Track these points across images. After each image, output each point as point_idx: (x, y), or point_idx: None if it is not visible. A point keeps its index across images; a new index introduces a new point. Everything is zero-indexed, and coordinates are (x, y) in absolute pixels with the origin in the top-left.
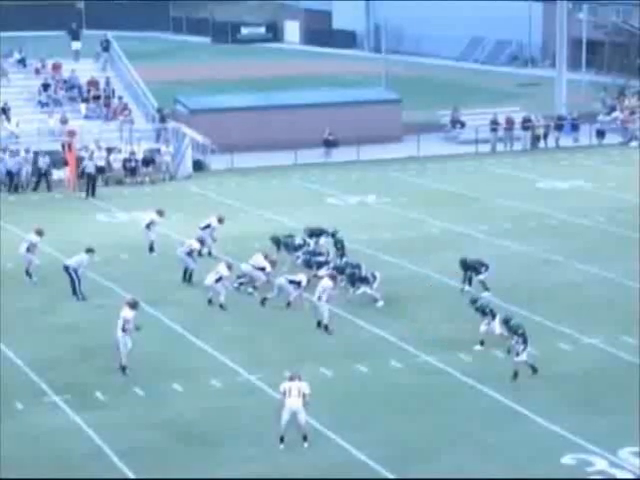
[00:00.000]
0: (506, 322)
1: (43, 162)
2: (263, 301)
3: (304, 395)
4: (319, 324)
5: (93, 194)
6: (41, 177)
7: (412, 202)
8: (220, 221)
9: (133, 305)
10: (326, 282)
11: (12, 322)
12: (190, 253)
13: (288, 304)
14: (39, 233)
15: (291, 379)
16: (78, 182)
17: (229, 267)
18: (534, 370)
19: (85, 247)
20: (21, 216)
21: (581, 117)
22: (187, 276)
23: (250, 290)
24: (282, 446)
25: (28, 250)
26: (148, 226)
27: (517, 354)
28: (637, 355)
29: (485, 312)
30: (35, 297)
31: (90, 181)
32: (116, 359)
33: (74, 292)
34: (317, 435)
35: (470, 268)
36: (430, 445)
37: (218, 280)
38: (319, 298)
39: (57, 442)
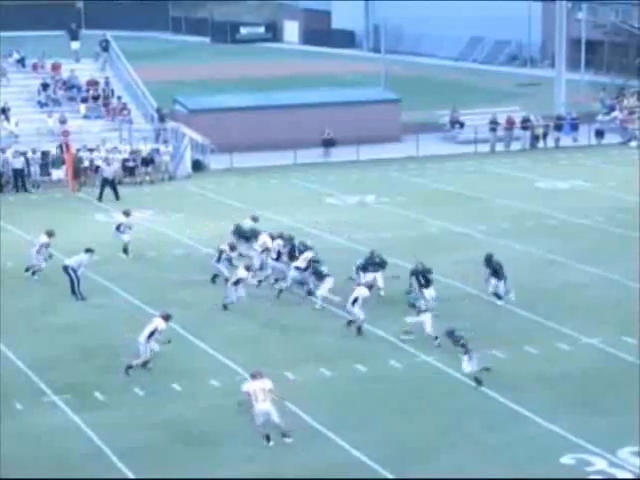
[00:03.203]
0: (449, 334)
1: (18, 162)
2: (279, 293)
3: (270, 392)
4: (350, 323)
5: (117, 198)
6: (17, 177)
7: (411, 202)
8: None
9: (167, 318)
10: (364, 291)
11: (12, 322)
12: (219, 259)
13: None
14: (50, 234)
15: (254, 377)
16: (76, 182)
17: (247, 269)
18: (478, 383)
19: (84, 247)
20: (20, 216)
21: (580, 117)
22: (214, 279)
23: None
24: (271, 443)
25: (38, 252)
26: (118, 228)
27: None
28: (637, 355)
29: (414, 305)
30: (35, 297)
31: (106, 185)
32: (114, 358)
33: (73, 292)
34: (316, 435)
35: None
36: (429, 445)
37: (236, 283)
38: (353, 303)
39: (56, 442)
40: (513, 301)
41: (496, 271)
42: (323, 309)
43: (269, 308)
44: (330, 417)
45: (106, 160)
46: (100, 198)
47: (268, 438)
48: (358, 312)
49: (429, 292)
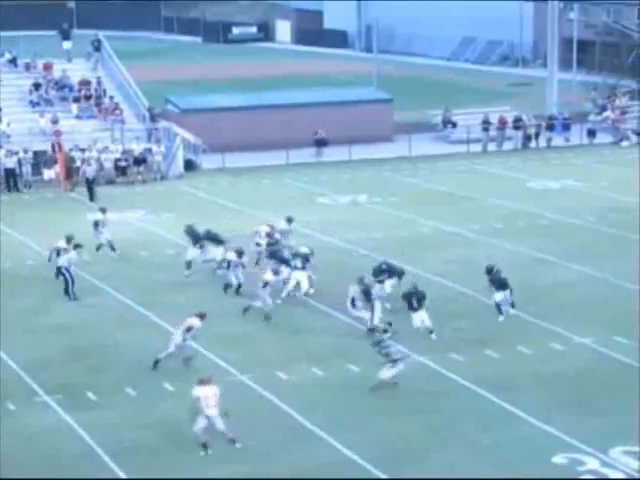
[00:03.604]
0: (376, 344)
1: (10, 162)
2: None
3: (215, 396)
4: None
5: (92, 199)
6: (9, 177)
7: (403, 202)
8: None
9: (202, 316)
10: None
11: (4, 323)
12: (228, 267)
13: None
14: (103, 211)
15: (203, 383)
16: (68, 182)
17: (275, 273)
18: (374, 388)
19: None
20: (13, 216)
21: (572, 117)
22: (236, 289)
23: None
24: (207, 452)
25: (96, 228)
26: (96, 226)
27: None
28: (629, 355)
29: (369, 298)
30: (28, 298)
31: (89, 185)
32: (106, 358)
33: (66, 292)
34: (309, 435)
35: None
36: (422, 445)
37: (265, 285)
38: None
39: (49, 442)
40: (511, 315)
41: (500, 283)
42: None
43: (261, 308)
44: (323, 417)
45: (87, 161)
46: (91, 199)
47: (205, 446)
48: (361, 313)
49: (419, 316)
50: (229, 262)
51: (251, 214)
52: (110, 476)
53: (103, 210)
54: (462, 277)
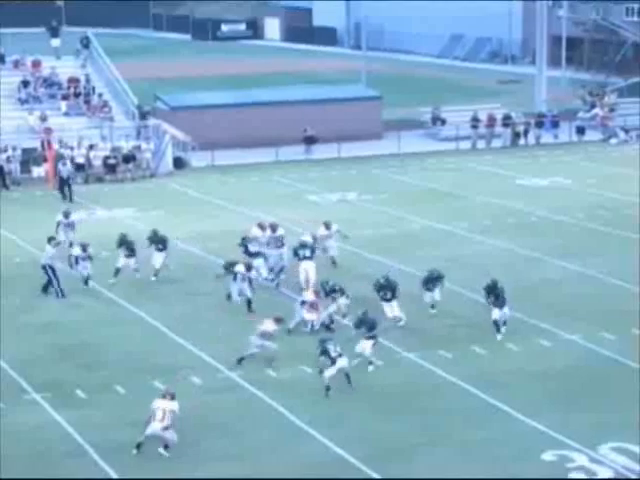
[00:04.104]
0: (321, 342)
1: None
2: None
3: (172, 412)
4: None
5: (71, 199)
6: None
7: (393, 199)
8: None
9: (279, 321)
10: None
11: None
12: (235, 279)
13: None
14: (66, 214)
15: (163, 396)
16: (56, 179)
17: (316, 294)
18: (328, 389)
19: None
20: (1, 214)
21: (561, 114)
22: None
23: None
24: (135, 452)
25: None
26: (65, 227)
27: (321, 371)
28: (617, 351)
29: (334, 291)
30: (16, 296)
31: (64, 185)
32: (95, 356)
33: (45, 290)
34: (298, 433)
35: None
36: (411, 443)
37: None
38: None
39: (38, 440)
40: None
41: (501, 301)
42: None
43: (254, 305)
44: (312, 415)
45: (61, 159)
46: (70, 199)
47: (139, 447)
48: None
49: (390, 308)
50: (235, 274)
51: (240, 212)
52: (100, 475)
53: (66, 214)
54: (451, 274)
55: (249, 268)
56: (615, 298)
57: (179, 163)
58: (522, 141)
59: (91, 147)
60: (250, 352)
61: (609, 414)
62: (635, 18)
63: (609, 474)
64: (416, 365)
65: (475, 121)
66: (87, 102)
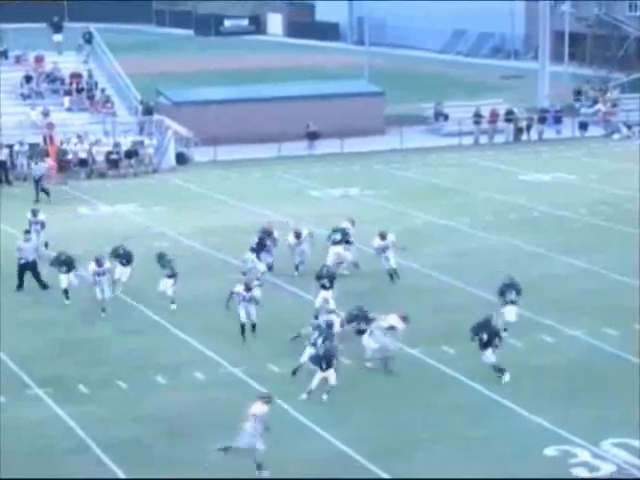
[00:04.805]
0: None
1: (1, 154)
2: None
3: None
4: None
5: (37, 199)
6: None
7: (395, 195)
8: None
9: (405, 319)
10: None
11: None
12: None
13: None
14: (34, 213)
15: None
16: (60, 175)
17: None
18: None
19: (67, 241)
20: (2, 210)
21: (564, 110)
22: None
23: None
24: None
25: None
26: (37, 226)
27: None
28: (620, 347)
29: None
30: (18, 291)
31: (36, 184)
32: (96, 351)
33: (43, 286)
34: (301, 429)
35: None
36: (413, 438)
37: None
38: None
39: (40, 435)
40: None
41: (490, 339)
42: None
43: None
44: (315, 411)
45: (32, 158)
46: (37, 199)
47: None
48: None
49: (367, 341)
50: (232, 294)
51: (243, 207)
52: (102, 470)
53: (34, 212)
54: (454, 270)
55: (248, 288)
56: (618, 293)
57: (181, 159)
58: (525, 137)
59: (95, 143)
60: (371, 353)
61: (612, 410)
62: (638, 13)
63: (611, 469)
64: (419, 361)
65: (477, 117)
66: (90, 98)
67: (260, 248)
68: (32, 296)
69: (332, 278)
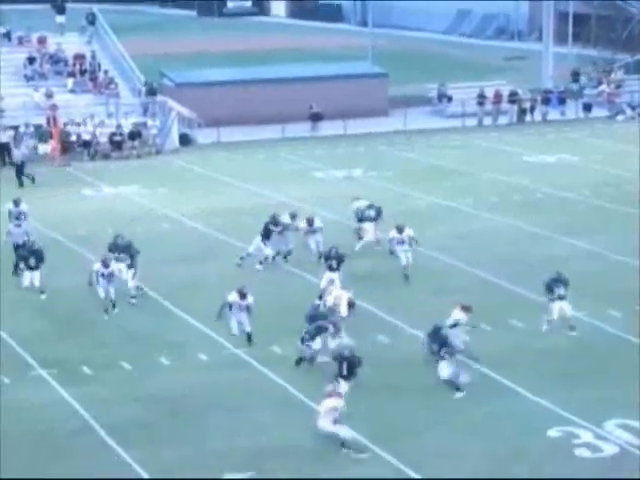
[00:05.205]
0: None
1: (5, 136)
2: None
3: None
4: None
5: (21, 184)
6: (2, 151)
7: (398, 176)
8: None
9: (467, 309)
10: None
11: None
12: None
13: None
14: (16, 203)
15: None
16: (64, 157)
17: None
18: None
19: (71, 222)
20: (6, 190)
21: (568, 91)
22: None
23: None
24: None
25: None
26: (15, 218)
27: None
28: (623, 328)
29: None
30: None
31: (18, 170)
32: (100, 333)
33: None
34: (304, 409)
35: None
36: (415, 420)
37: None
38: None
39: (44, 416)
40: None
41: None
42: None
43: (257, 283)
44: (318, 392)
45: (14, 142)
46: (21, 184)
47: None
48: None
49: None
50: (227, 304)
51: (246, 189)
52: (106, 451)
53: (16, 202)
54: (457, 251)
55: (243, 296)
56: (620, 275)
57: (185, 140)
58: (528, 118)
59: (99, 124)
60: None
61: (614, 391)
62: None
63: (614, 450)
64: (421, 342)
65: (481, 98)
66: (93, 79)
67: (266, 234)
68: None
69: (340, 260)
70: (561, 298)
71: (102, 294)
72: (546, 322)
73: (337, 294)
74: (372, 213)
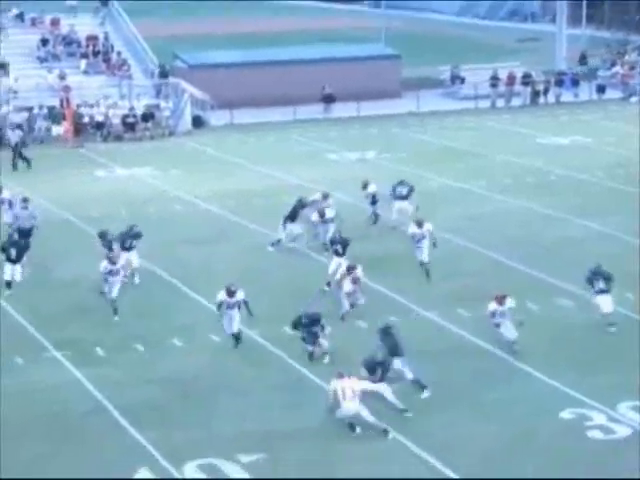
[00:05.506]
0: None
1: (18, 117)
2: None
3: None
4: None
5: (15, 167)
6: None
7: (411, 158)
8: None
9: (502, 299)
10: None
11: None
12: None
13: None
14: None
15: (341, 376)
16: (77, 138)
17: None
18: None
19: (85, 203)
20: (21, 172)
21: (581, 73)
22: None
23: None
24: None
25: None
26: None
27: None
28: (636, 310)
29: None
30: (33, 255)
31: (14, 153)
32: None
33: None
34: (316, 389)
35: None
36: (428, 400)
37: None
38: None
39: (57, 397)
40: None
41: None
42: None
43: (269, 262)
44: (329, 372)
45: (11, 126)
46: (14, 166)
47: (352, 427)
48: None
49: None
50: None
51: (259, 171)
52: (119, 432)
53: None
54: (469, 233)
55: (230, 293)
56: (634, 257)
57: (198, 122)
58: (542, 100)
59: (113, 105)
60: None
61: (628, 373)
62: None
63: (627, 432)
64: (434, 323)
65: (494, 80)
66: (106, 60)
67: (293, 216)
68: (48, 260)
69: (345, 244)
70: (602, 292)
71: (110, 294)
72: (600, 316)
73: (341, 271)
74: (404, 191)
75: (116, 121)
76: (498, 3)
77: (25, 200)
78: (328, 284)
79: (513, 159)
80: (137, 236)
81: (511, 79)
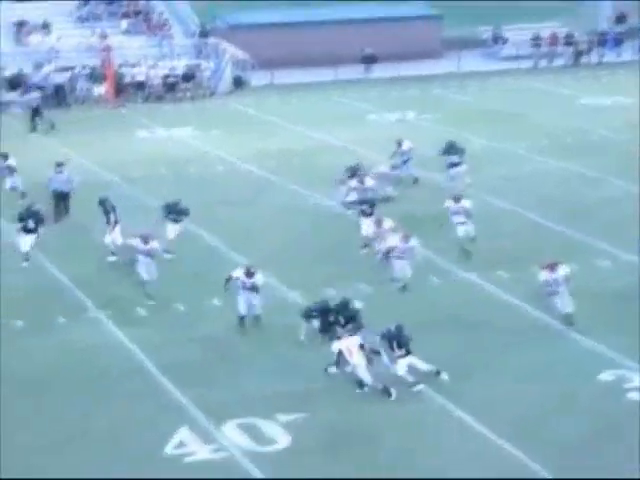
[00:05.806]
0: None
1: (60, 77)
2: None
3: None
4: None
5: (34, 128)
6: (58, 93)
7: (451, 119)
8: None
9: (553, 266)
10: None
11: (54, 240)
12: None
13: None
14: (5, 157)
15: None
16: (118, 98)
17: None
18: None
19: (126, 164)
20: (62, 132)
21: (625, 32)
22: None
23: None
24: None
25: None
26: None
27: None
28: None
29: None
30: (77, 215)
31: (36, 115)
32: None
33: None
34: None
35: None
36: (467, 362)
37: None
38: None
39: (98, 356)
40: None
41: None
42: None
43: (307, 227)
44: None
45: (30, 87)
46: (34, 128)
47: (386, 391)
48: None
49: (404, 362)
50: (230, 278)
51: (299, 131)
52: (159, 391)
53: (5, 156)
54: (509, 194)
55: (249, 274)
56: None
57: (238, 82)
58: (584, 60)
59: (154, 66)
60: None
61: None
62: None
63: None
64: (475, 285)
65: (537, 40)
66: (147, 20)
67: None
68: (88, 221)
69: (372, 204)
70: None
71: (144, 276)
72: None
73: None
74: (455, 158)
75: (157, 81)
76: None
77: (60, 164)
78: (365, 246)
79: (554, 120)
80: (183, 212)
81: (553, 39)
